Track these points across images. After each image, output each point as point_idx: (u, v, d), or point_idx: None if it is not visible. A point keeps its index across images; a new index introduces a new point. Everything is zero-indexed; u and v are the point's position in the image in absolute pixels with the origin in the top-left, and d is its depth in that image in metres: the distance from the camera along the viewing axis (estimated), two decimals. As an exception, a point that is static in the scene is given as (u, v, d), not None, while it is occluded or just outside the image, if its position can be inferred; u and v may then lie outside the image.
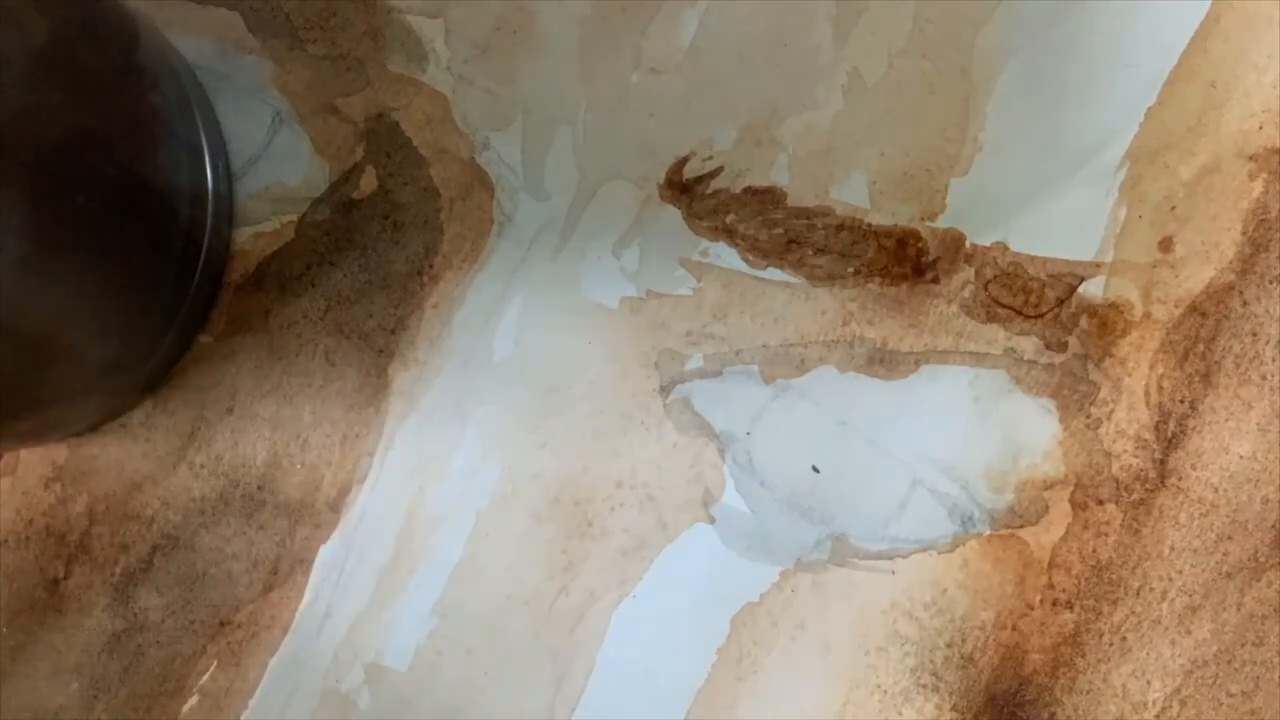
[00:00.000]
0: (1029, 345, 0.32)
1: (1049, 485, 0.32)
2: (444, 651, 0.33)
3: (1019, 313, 0.32)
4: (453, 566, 0.34)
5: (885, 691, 0.32)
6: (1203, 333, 0.32)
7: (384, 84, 0.35)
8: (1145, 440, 0.32)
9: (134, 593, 0.35)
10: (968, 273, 0.33)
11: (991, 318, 0.33)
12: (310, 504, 0.34)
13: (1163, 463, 0.32)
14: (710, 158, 0.34)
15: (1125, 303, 0.32)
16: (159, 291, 0.33)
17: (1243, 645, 0.31)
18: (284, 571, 0.34)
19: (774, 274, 0.33)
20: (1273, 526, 0.31)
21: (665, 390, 0.33)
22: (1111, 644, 0.32)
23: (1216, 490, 0.32)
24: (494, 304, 0.34)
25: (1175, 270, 0.32)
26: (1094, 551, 0.32)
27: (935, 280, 0.33)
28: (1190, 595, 0.31)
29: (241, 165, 0.36)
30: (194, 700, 0.34)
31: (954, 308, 0.33)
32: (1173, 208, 0.32)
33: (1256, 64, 0.32)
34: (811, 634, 0.32)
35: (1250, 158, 0.32)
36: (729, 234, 0.34)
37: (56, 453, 0.35)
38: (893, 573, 0.32)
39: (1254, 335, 0.32)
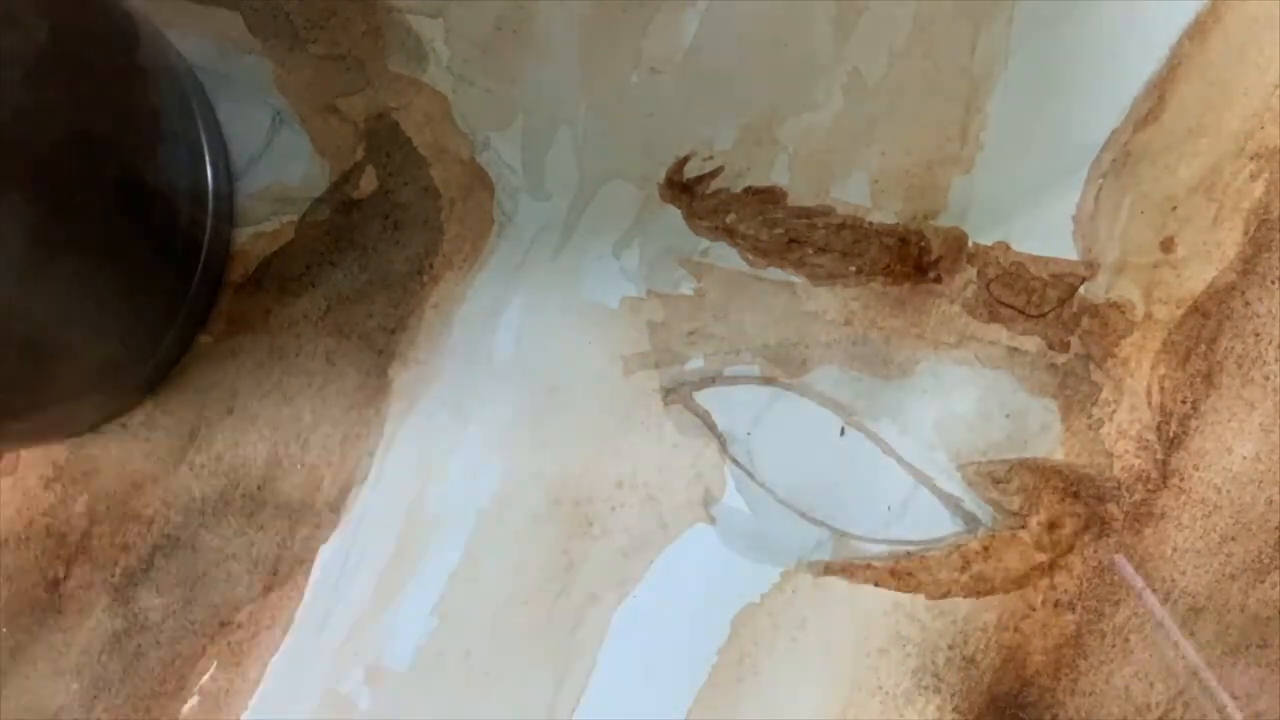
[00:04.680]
0: (1031, 345, 0.32)
1: (1051, 486, 0.32)
2: (444, 651, 0.33)
3: (1021, 312, 0.32)
4: (453, 567, 0.34)
5: (887, 693, 0.32)
6: (1204, 333, 0.32)
7: (384, 84, 0.35)
8: (1147, 441, 0.32)
9: (134, 593, 0.35)
10: (970, 272, 0.33)
11: (994, 317, 0.33)
12: (310, 504, 0.34)
13: (1165, 463, 0.32)
14: (710, 158, 0.34)
15: (1127, 303, 0.32)
16: (159, 292, 0.33)
17: (1247, 647, 0.31)
18: (284, 571, 0.34)
19: (775, 274, 0.33)
20: (1277, 528, 0.31)
21: (665, 390, 0.33)
22: (1114, 645, 0.31)
23: (1219, 491, 0.32)
24: (494, 304, 0.34)
25: (1177, 270, 0.32)
26: (1096, 553, 0.32)
27: (938, 280, 0.33)
28: (1193, 597, 0.31)
29: (241, 165, 0.36)
30: (194, 700, 0.34)
31: (956, 307, 0.33)
32: (1174, 208, 0.32)
33: (1257, 63, 0.32)
34: (812, 635, 0.32)
35: (1251, 157, 0.32)
36: (729, 234, 0.34)
37: (56, 453, 0.35)
38: (893, 572, 0.32)
39: (1256, 335, 0.32)
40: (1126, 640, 0.31)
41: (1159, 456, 0.32)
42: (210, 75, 0.36)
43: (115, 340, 0.33)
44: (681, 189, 0.34)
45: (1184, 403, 0.32)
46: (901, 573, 0.32)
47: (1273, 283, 0.32)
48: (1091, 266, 0.32)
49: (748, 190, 0.34)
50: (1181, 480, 0.32)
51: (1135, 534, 0.31)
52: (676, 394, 0.33)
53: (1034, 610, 0.32)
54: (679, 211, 0.34)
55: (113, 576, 0.35)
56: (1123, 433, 0.32)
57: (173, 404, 0.35)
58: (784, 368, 0.33)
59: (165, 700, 0.34)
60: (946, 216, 0.33)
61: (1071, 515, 0.32)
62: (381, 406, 0.34)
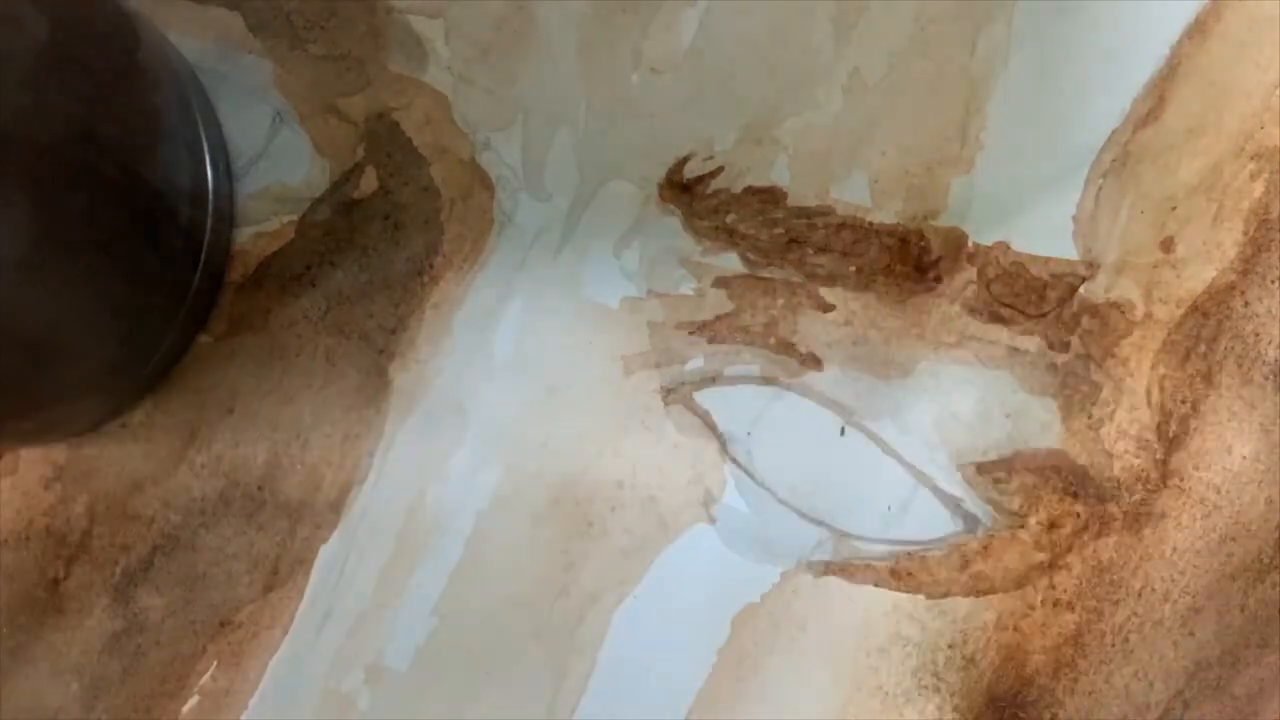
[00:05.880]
0: (1032, 345, 0.32)
1: (1051, 486, 0.32)
2: (444, 651, 0.33)
3: (1021, 312, 0.32)
4: (453, 566, 0.34)
5: (887, 693, 0.32)
6: (1204, 333, 0.32)
7: (384, 84, 0.35)
8: (1147, 441, 0.32)
9: (134, 593, 0.35)
10: (970, 272, 0.33)
11: (994, 318, 0.33)
12: (310, 504, 0.34)
13: (1164, 463, 0.32)
14: (710, 158, 0.34)
15: (1127, 303, 0.32)
16: (159, 292, 0.33)
17: (1246, 647, 0.31)
18: (284, 571, 0.34)
19: (775, 274, 0.33)
20: (1276, 528, 0.31)
21: (665, 390, 0.33)
22: (1114, 645, 0.31)
23: (1219, 491, 0.32)
24: (494, 304, 0.34)
25: (1177, 270, 0.32)
26: (1095, 552, 0.32)
27: (938, 279, 0.33)
28: (1193, 596, 0.31)
29: (242, 165, 0.36)
30: (194, 700, 0.34)
31: (956, 307, 0.33)
32: (1174, 208, 0.32)
33: (1257, 63, 0.32)
34: (812, 635, 0.32)
35: (1252, 157, 0.32)
36: (729, 234, 0.34)
37: (56, 453, 0.35)
38: (893, 572, 0.32)
39: (1256, 335, 0.32)
40: (1126, 640, 0.31)
41: (1159, 456, 0.32)
42: (210, 75, 0.36)
43: (115, 340, 0.33)
44: (681, 189, 0.34)
45: (1184, 403, 0.32)
46: (901, 573, 0.32)
47: (1273, 283, 0.32)
48: (1091, 266, 0.32)
49: (748, 190, 0.34)
50: (1181, 480, 0.32)
51: (1135, 534, 0.32)
52: (676, 394, 0.33)
53: (1034, 610, 0.32)
54: (679, 211, 0.34)
55: (113, 576, 0.35)
56: (1123, 433, 0.32)
57: (173, 404, 0.35)
58: (784, 368, 0.33)
59: (165, 700, 0.34)
60: (946, 216, 0.33)
61: (1071, 515, 0.32)
62: (381, 406, 0.34)
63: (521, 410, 0.34)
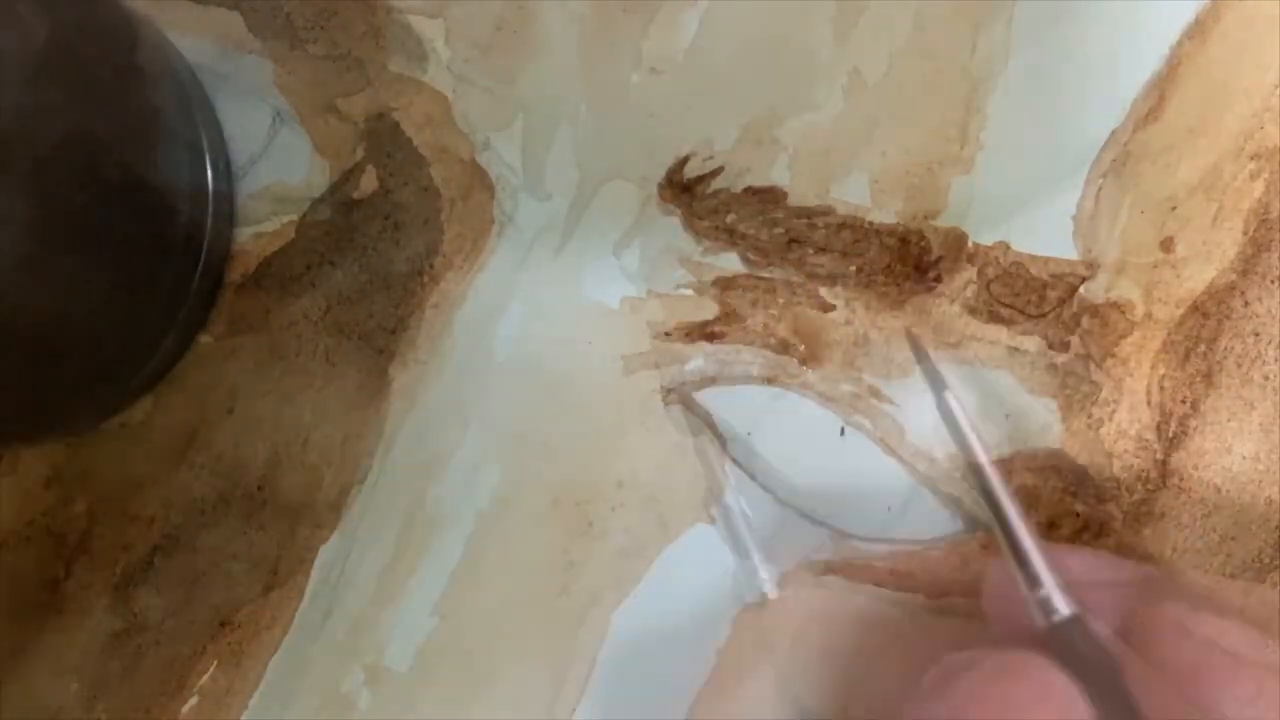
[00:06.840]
0: (1031, 345, 0.32)
1: (1051, 486, 0.32)
2: (444, 651, 0.33)
3: (1021, 312, 0.32)
4: (453, 566, 0.34)
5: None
6: (1204, 333, 0.32)
7: (384, 84, 0.35)
8: (1147, 440, 0.32)
9: (134, 593, 0.35)
10: (970, 272, 0.33)
11: (994, 318, 0.33)
12: (310, 504, 0.34)
13: (1164, 463, 0.32)
14: (710, 158, 0.34)
15: (1127, 303, 0.32)
16: (159, 291, 0.33)
17: (1246, 647, 0.31)
18: (284, 571, 0.34)
19: (775, 273, 0.33)
20: (1276, 528, 0.31)
21: (665, 390, 0.33)
22: (1113, 645, 0.31)
23: (1219, 491, 0.31)
24: (494, 304, 0.34)
25: (1177, 270, 0.32)
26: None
27: (938, 279, 0.33)
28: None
29: (242, 165, 0.36)
30: (194, 700, 0.34)
31: (956, 307, 0.33)
32: (1174, 207, 0.32)
33: (1257, 63, 0.32)
34: (813, 635, 0.32)
35: (1251, 157, 0.32)
36: (730, 234, 0.34)
37: (56, 453, 0.35)
38: (893, 572, 0.32)
39: (1256, 335, 0.32)
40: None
41: (1158, 456, 0.32)
42: (210, 75, 0.36)
43: (115, 340, 0.33)
44: (682, 189, 0.34)
45: (1184, 403, 0.32)
46: (901, 573, 0.32)
47: (1273, 283, 0.32)
48: (1091, 266, 0.32)
49: (748, 190, 0.34)
50: (1181, 480, 0.32)
51: (1135, 534, 0.31)
52: (676, 394, 0.33)
53: (1034, 610, 0.32)
54: (679, 211, 0.34)
55: (112, 576, 0.35)
56: (1122, 432, 0.32)
57: (173, 404, 0.35)
58: (784, 368, 0.33)
59: (165, 700, 0.34)
60: (946, 216, 0.33)
61: (1071, 515, 0.32)
62: (381, 406, 0.34)
63: (521, 410, 0.34)
